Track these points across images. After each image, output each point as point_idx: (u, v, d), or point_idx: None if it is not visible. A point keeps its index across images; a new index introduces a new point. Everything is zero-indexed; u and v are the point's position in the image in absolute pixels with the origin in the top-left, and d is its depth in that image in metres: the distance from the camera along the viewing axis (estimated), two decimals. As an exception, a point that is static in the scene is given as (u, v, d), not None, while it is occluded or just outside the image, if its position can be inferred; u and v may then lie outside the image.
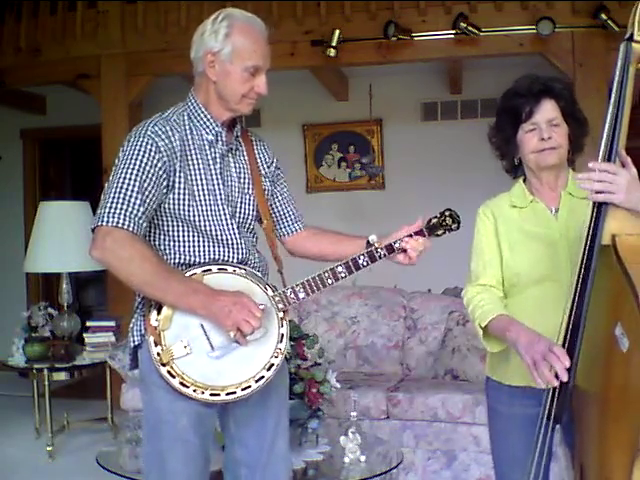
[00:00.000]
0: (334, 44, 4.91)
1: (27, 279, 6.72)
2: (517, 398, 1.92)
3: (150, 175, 1.84)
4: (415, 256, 2.01)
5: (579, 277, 1.68)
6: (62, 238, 4.46)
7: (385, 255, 2.01)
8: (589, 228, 1.68)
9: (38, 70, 5.52)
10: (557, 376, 1.68)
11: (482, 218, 2.12)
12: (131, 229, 1.79)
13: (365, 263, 1.99)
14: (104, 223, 1.79)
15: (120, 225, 1.78)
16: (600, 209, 1.67)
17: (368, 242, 2.04)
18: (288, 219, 2.20)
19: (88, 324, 4.83)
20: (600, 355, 1.66)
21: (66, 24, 5.42)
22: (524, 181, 2.11)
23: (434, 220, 2.06)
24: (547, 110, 1.98)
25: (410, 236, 2.02)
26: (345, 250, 2.05)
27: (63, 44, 5.43)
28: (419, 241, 2.01)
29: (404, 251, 2.02)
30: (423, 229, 2.04)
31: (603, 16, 4.57)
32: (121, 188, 1.82)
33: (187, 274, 1.89)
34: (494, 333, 1.96)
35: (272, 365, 1.88)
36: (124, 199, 1.80)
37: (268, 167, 2.13)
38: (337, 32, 4.90)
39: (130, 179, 1.82)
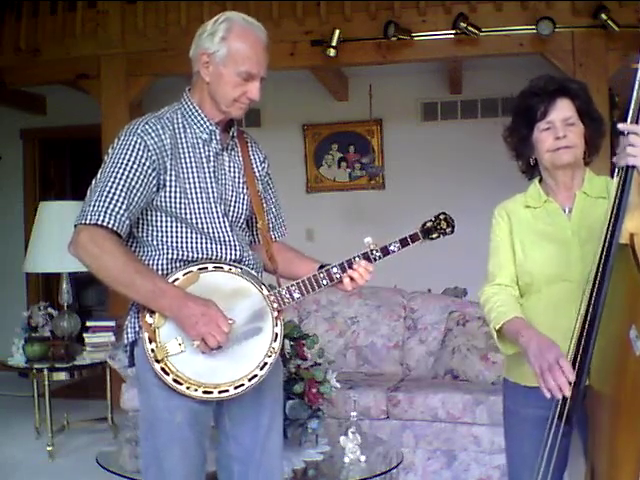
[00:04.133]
0: (334, 44, 4.92)
1: (27, 279, 6.73)
2: (532, 399, 1.92)
3: (137, 174, 1.85)
4: (362, 283, 1.98)
5: (596, 276, 1.67)
6: (62, 238, 4.37)
7: (380, 257, 2.00)
8: (608, 226, 1.66)
9: (38, 70, 5.53)
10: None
11: (497, 219, 2.12)
12: (111, 226, 1.80)
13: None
14: (85, 221, 1.81)
15: (100, 223, 1.80)
16: (620, 207, 1.65)
17: (321, 266, 2.01)
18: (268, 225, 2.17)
19: (88, 324, 4.83)
20: (614, 357, 1.65)
21: (66, 24, 5.43)
22: (540, 181, 2.10)
23: (429, 224, 2.05)
24: (562, 109, 1.97)
25: (373, 252, 1.98)
26: (297, 271, 2.04)
27: (63, 44, 5.43)
28: (362, 264, 1.97)
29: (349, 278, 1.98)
30: (418, 232, 2.03)
31: (603, 16, 4.57)
32: (106, 186, 1.83)
33: (183, 272, 1.88)
34: (508, 336, 1.97)
35: (265, 364, 1.88)
36: (107, 197, 1.82)
37: (261, 169, 2.14)
38: (337, 32, 4.90)
39: (116, 177, 1.84)
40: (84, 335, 4.77)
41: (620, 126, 1.68)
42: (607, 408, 1.69)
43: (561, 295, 1.95)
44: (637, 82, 1.65)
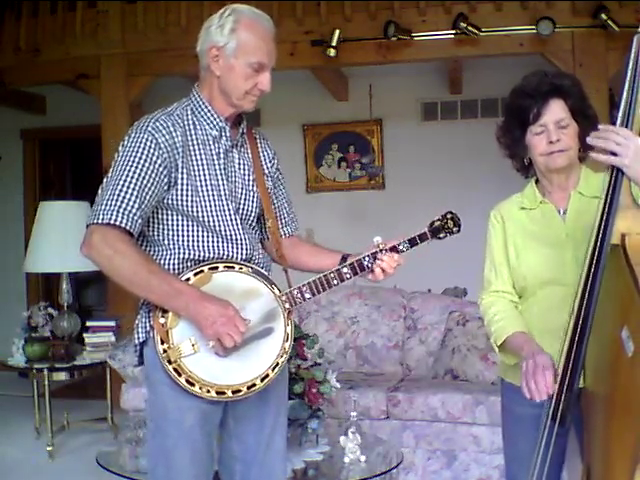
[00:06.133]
0: (334, 44, 4.92)
1: (27, 279, 6.72)
2: (527, 397, 1.93)
3: (149, 172, 1.84)
4: (391, 272, 1.99)
5: (587, 276, 1.67)
6: (62, 238, 4.45)
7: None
8: (599, 226, 1.65)
9: (38, 70, 5.53)
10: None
11: (492, 222, 2.11)
12: (123, 225, 1.79)
13: (369, 264, 1.98)
14: (98, 220, 1.79)
15: (112, 222, 1.78)
16: (611, 206, 1.64)
17: (343, 257, 2.02)
18: (278, 222, 2.17)
19: (88, 324, 4.83)
20: (608, 357, 1.65)
21: (66, 24, 5.43)
22: (537, 182, 2.09)
23: (437, 223, 2.03)
24: (555, 111, 1.94)
25: (382, 251, 1.98)
26: (321, 263, 2.05)
27: (63, 44, 5.43)
28: (395, 257, 1.98)
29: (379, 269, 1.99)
30: (426, 232, 2.02)
31: (603, 16, 4.57)
32: (117, 185, 1.82)
33: (194, 271, 1.87)
34: (510, 349, 1.99)
35: (277, 364, 1.88)
36: (119, 195, 1.80)
37: (270, 166, 2.13)
38: (337, 32, 4.90)
39: (128, 175, 1.82)
40: (84, 335, 4.77)
41: (600, 127, 1.68)
42: (601, 408, 1.69)
43: (556, 298, 1.94)
44: (627, 82, 1.65)
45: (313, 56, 5.11)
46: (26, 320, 4.76)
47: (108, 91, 5.38)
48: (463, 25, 4.78)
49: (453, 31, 4.86)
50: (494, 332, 2.02)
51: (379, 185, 6.40)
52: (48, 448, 4.33)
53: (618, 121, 1.65)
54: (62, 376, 4.61)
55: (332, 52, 4.94)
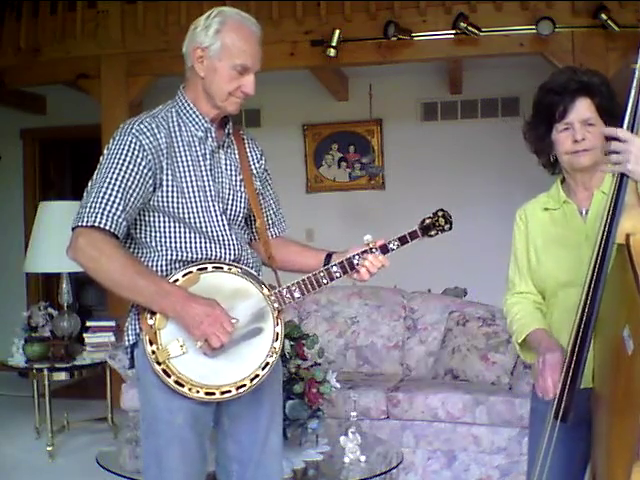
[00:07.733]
0: (334, 44, 4.92)
1: (27, 279, 6.73)
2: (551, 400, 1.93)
3: (133, 174, 1.84)
4: (374, 272, 1.99)
5: (592, 276, 1.67)
6: (62, 238, 4.36)
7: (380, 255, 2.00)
8: (604, 226, 1.65)
9: (38, 70, 5.53)
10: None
11: (517, 223, 2.11)
12: (108, 227, 1.80)
13: (359, 263, 1.98)
14: (82, 223, 1.80)
15: (97, 224, 1.79)
16: (616, 206, 1.64)
17: (328, 255, 2.03)
18: (266, 223, 2.16)
19: (88, 324, 4.83)
20: (611, 356, 1.65)
21: (66, 24, 5.43)
22: (562, 180, 2.08)
23: (428, 220, 2.04)
24: (582, 110, 1.92)
25: (366, 252, 1.98)
26: (306, 262, 2.06)
27: (63, 44, 5.43)
28: (379, 258, 1.99)
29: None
30: (417, 229, 2.02)
31: (603, 16, 4.57)
32: (102, 187, 1.82)
33: (182, 272, 1.88)
34: (531, 347, 2.00)
35: (267, 364, 1.88)
36: (103, 198, 1.81)
37: (258, 167, 2.13)
38: (337, 32, 4.90)
39: (112, 178, 1.83)
40: (84, 335, 4.77)
41: (604, 131, 1.67)
42: (604, 407, 1.69)
43: (573, 300, 1.89)
44: (635, 83, 1.64)
45: (313, 56, 5.11)
46: (26, 320, 4.77)
47: (108, 91, 5.38)
48: (463, 25, 4.78)
49: (453, 31, 4.86)
50: (515, 331, 2.03)
51: (379, 185, 6.40)
52: (48, 448, 4.33)
53: (625, 123, 1.64)
54: (62, 376, 4.61)
55: (332, 52, 4.94)
